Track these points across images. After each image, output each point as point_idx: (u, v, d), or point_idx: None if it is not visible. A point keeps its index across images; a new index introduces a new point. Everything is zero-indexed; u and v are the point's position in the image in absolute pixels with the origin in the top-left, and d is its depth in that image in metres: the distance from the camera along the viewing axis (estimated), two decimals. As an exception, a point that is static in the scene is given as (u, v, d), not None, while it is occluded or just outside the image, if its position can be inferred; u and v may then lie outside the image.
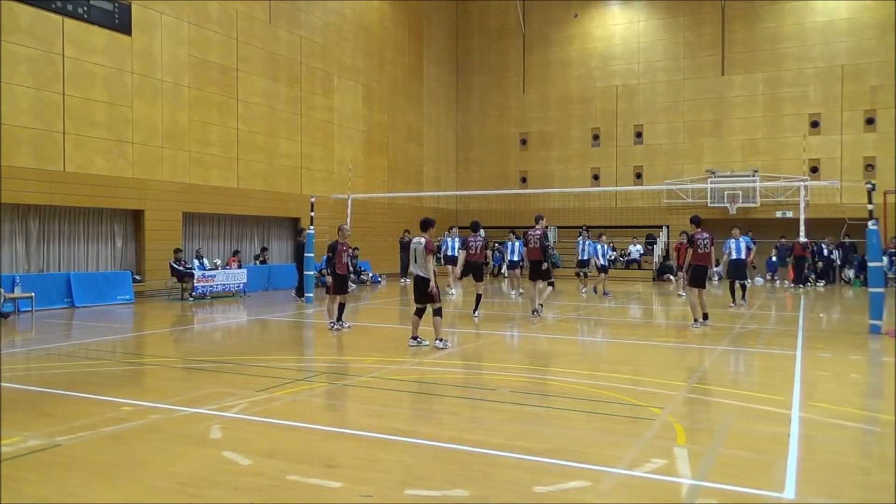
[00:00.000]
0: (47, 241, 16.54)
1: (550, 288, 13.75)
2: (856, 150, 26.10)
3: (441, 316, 10.06)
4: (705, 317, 12.45)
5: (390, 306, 17.02)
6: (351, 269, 23.26)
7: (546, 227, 13.87)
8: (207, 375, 8.18)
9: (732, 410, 6.54)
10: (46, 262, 16.50)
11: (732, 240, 15.96)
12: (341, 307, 12.02)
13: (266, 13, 21.99)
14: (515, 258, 19.58)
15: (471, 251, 14.12)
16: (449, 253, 19.47)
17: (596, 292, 19.55)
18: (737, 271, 16.11)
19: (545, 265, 13.42)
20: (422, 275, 9.92)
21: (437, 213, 29.57)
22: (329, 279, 11.88)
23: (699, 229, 12.66)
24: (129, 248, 18.35)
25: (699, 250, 12.43)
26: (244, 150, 21.20)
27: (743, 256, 15.88)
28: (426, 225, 10.15)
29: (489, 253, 14.72)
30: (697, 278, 12.47)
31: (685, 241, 19.19)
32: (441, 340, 9.93)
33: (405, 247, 21.47)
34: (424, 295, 9.98)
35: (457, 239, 19.41)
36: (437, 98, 32.13)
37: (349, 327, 11.89)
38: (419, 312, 10.16)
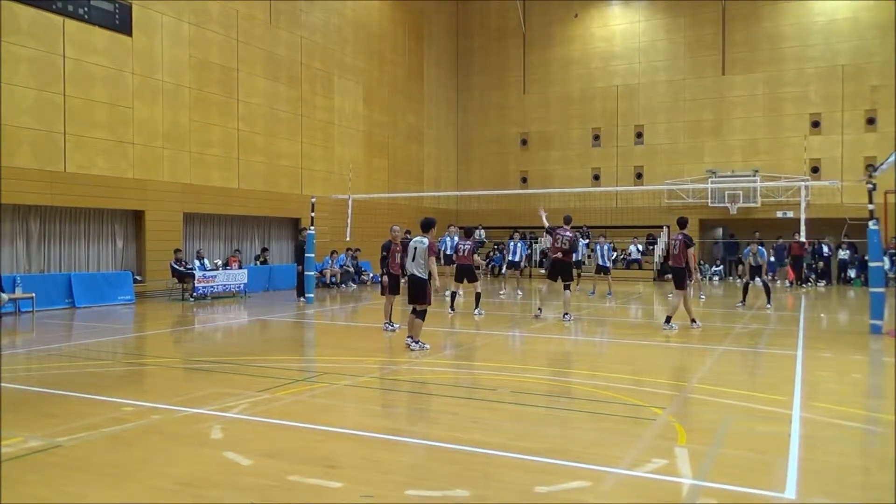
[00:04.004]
0: (48, 242, 16.55)
1: (568, 292, 13.78)
2: (856, 149, 26.08)
3: (423, 319, 9.85)
4: (668, 319, 12.30)
5: (391, 306, 17.00)
6: (352, 268, 23.19)
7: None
8: (208, 376, 8.18)
9: (733, 410, 6.53)
10: (47, 262, 16.51)
11: (749, 251, 16.68)
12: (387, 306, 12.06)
13: (266, 13, 22.00)
14: (516, 258, 19.77)
15: (459, 254, 14.48)
16: (447, 252, 19.57)
17: (593, 294, 19.69)
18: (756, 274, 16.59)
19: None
20: (418, 274, 9.84)
21: (438, 213, 29.51)
22: (385, 279, 11.95)
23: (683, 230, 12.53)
24: (130, 248, 18.35)
25: (672, 251, 12.39)
26: (245, 150, 21.21)
27: (759, 263, 16.48)
28: (428, 225, 10.06)
29: (476, 257, 15.01)
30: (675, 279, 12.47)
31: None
32: (413, 340, 9.75)
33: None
34: (419, 295, 9.87)
35: (454, 238, 19.55)
36: (438, 98, 32.14)
37: (399, 328, 11.56)
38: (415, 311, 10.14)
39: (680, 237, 12.33)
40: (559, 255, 13.46)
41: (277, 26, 22.41)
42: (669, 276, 24.26)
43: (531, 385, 7.88)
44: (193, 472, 4.67)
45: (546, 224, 14.24)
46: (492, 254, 28.73)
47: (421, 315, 9.82)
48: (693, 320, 12.25)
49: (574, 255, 13.82)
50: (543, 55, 31.71)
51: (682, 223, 12.55)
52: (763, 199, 26.71)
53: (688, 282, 12.37)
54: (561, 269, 13.61)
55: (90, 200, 16.84)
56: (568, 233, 13.47)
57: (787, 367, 8.73)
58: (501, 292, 19.55)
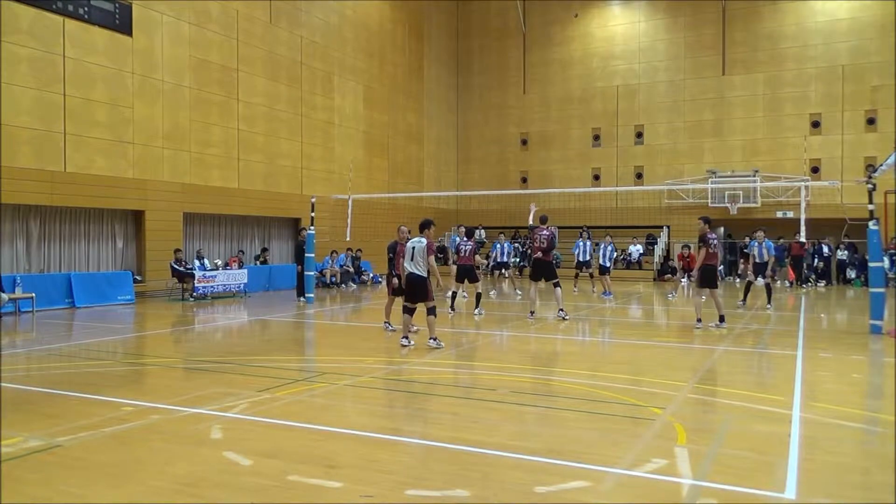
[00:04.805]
0: (48, 242, 16.55)
1: (559, 289, 13.78)
2: (856, 150, 26.09)
3: (435, 315, 10.06)
4: (721, 318, 12.34)
5: (391, 306, 17.00)
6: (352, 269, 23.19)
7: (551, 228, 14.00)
8: (208, 376, 8.18)
9: (733, 410, 6.53)
10: (47, 262, 16.51)
11: (756, 243, 16.58)
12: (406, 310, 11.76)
13: (266, 13, 22.00)
14: (506, 259, 19.87)
15: (461, 255, 14.47)
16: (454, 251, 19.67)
17: (594, 292, 19.78)
18: (761, 273, 16.58)
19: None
20: (417, 273, 9.95)
21: (438, 213, 29.58)
22: (395, 280, 11.48)
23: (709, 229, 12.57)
24: (130, 248, 18.36)
25: (710, 250, 12.31)
26: (245, 150, 21.21)
27: (766, 260, 16.44)
28: (425, 226, 10.17)
29: (478, 258, 15.00)
30: (707, 279, 12.42)
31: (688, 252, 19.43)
32: (434, 340, 9.91)
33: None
34: (418, 294, 10.01)
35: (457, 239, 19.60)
36: (438, 98, 32.14)
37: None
38: (410, 311, 10.20)
39: (715, 235, 12.37)
40: (539, 254, 13.58)
41: (277, 26, 22.41)
42: (670, 275, 24.30)
43: (531, 385, 7.89)
44: (193, 472, 4.67)
45: (530, 222, 14.27)
46: (492, 254, 28.74)
47: (433, 312, 9.98)
48: (699, 319, 12.26)
49: (554, 253, 13.82)
50: (543, 55, 31.71)
51: (711, 221, 12.62)
52: (763, 199, 26.71)
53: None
54: (542, 268, 13.67)
55: (90, 200, 16.84)
56: (545, 232, 13.54)
57: (787, 367, 8.73)
58: (492, 293, 19.59)
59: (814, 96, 26.88)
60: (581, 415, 6.28)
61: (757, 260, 16.44)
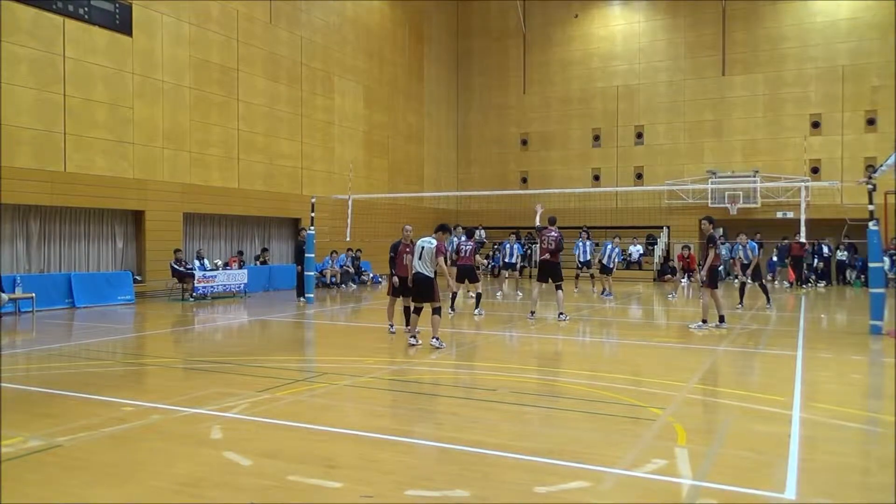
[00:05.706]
0: (48, 242, 16.55)
1: (560, 292, 13.77)
2: (857, 150, 26.09)
3: (440, 315, 10.10)
4: (721, 318, 12.32)
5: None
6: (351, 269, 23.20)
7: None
8: (208, 376, 8.18)
9: (733, 411, 6.53)
10: (47, 262, 16.51)
11: (739, 245, 16.97)
12: (406, 311, 11.31)
13: (266, 13, 22.00)
14: (514, 260, 19.82)
15: (461, 255, 14.40)
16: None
17: (594, 292, 19.77)
18: (752, 274, 16.94)
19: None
20: (424, 273, 9.99)
21: (438, 213, 29.56)
22: (395, 280, 11.25)
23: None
24: (130, 248, 18.36)
25: (717, 251, 12.25)
26: (245, 150, 21.21)
27: (750, 259, 16.89)
28: (440, 229, 10.24)
29: (478, 258, 14.94)
30: (713, 279, 12.32)
31: (688, 252, 19.44)
32: (437, 339, 9.93)
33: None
34: (423, 293, 10.04)
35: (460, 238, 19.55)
36: (438, 98, 32.13)
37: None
38: (417, 311, 10.23)
39: (716, 235, 12.43)
40: (546, 256, 13.59)
41: (277, 26, 22.41)
42: (670, 276, 24.32)
43: (531, 385, 7.89)
44: (193, 472, 4.67)
45: (537, 223, 14.29)
46: (492, 254, 28.73)
47: (438, 312, 10.02)
48: (704, 321, 12.24)
49: (560, 255, 13.80)
50: (543, 55, 31.71)
51: (714, 221, 12.62)
52: (763, 199, 26.71)
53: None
54: (549, 270, 13.68)
55: (90, 200, 16.84)
56: (553, 233, 13.53)
57: (786, 367, 8.73)
58: (498, 294, 19.58)
59: (814, 96, 26.88)
60: (581, 415, 6.28)
61: (744, 261, 16.93)
